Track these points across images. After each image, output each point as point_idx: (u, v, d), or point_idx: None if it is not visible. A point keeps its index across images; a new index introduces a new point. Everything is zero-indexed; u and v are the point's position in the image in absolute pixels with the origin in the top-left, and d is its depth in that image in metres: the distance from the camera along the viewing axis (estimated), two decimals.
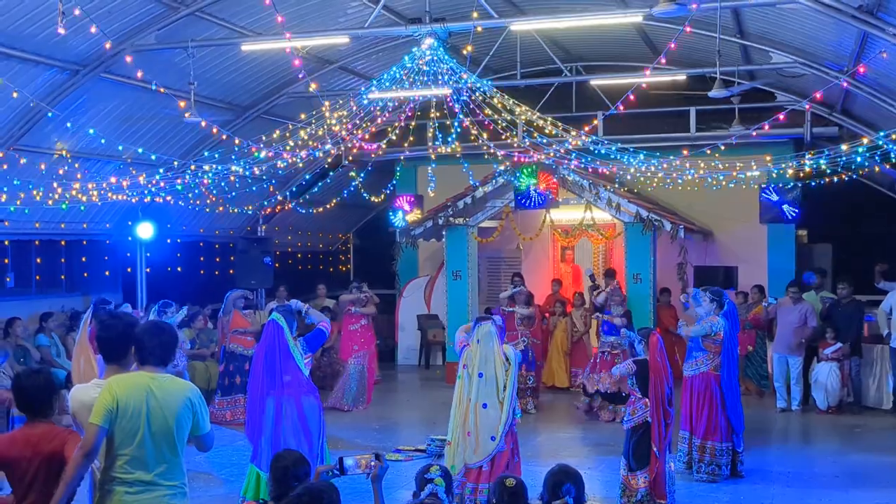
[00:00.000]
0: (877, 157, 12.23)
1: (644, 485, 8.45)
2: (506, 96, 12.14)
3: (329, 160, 16.83)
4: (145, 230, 14.61)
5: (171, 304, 11.48)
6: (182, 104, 11.28)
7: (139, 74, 11.12)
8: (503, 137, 13.44)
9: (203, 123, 11.46)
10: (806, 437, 12.42)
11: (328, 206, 18.30)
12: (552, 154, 13.38)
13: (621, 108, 10.96)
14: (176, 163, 12.35)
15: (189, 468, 5.09)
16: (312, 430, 8.16)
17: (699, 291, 10.28)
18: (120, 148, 12.05)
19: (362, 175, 16.52)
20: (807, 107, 13.08)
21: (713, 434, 9.67)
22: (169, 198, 13.58)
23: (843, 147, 11.64)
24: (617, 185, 15.74)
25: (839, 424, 12.63)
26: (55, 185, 11.91)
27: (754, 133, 13.39)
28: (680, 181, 14.17)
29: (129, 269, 15.42)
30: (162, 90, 11.22)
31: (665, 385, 8.47)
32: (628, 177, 15.43)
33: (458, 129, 12.70)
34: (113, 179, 12.16)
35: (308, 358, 8.39)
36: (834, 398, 13.12)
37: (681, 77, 15.04)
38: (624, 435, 8.76)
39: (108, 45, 10.07)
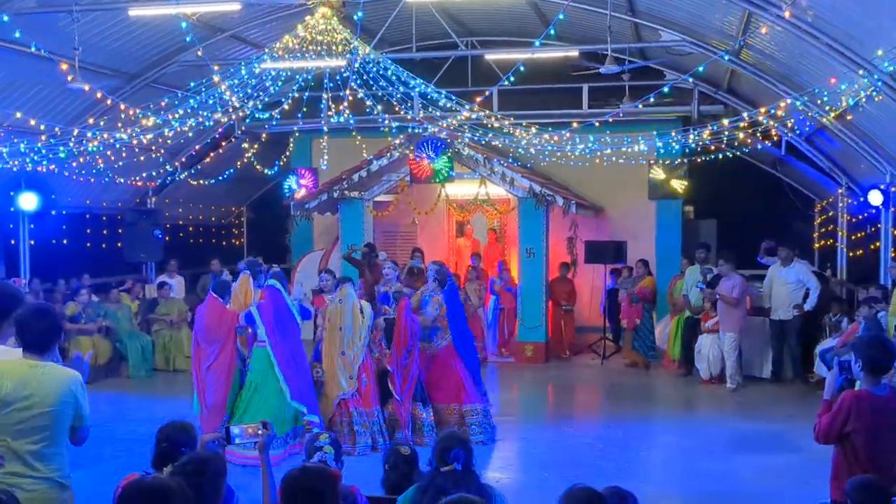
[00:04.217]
0: (757, 134, 12.62)
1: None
2: (401, 68, 12.09)
3: (220, 131, 16.49)
4: (29, 201, 14.05)
5: (259, 267, 10.10)
6: (64, 66, 10.86)
7: (16, 35, 10.63)
8: (397, 110, 13.38)
9: (87, 87, 11.08)
10: (690, 406, 12.82)
11: (221, 179, 17.95)
12: (447, 126, 13.40)
13: (512, 78, 11.04)
14: (57, 129, 11.87)
15: None
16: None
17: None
18: None
19: (255, 147, 16.22)
20: (690, 80, 13.40)
21: (466, 397, 10.10)
22: (53, 167, 13.11)
23: (724, 122, 11.98)
24: (510, 161, 15.88)
25: (721, 393, 13.09)
26: None
27: (640, 106, 13.66)
28: (569, 150, 14.30)
29: (12, 242, 14.86)
30: (41, 53, 10.78)
31: (402, 342, 9.73)
32: (520, 150, 15.57)
33: (347, 98, 12.54)
34: None
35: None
36: (716, 368, 13.57)
37: (574, 53, 15.22)
38: None
39: None
